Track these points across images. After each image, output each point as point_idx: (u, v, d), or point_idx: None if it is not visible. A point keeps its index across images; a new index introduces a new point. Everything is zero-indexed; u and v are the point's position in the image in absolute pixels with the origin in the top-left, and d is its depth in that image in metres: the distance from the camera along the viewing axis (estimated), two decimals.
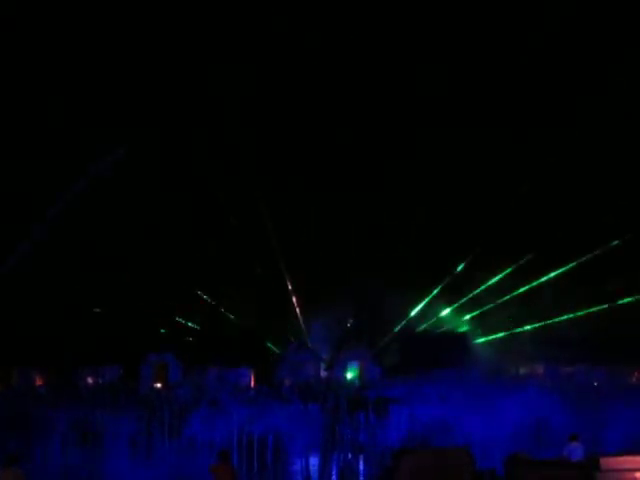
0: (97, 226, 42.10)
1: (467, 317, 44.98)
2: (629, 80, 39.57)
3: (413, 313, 44.27)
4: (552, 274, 43.36)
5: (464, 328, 44.77)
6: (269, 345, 43.62)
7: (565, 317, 42.73)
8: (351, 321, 42.97)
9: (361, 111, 42.54)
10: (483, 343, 43.53)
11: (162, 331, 42.87)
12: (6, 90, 39.05)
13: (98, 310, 41.61)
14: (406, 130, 42.94)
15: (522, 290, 43.81)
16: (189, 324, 44.26)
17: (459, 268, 44.27)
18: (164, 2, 40.33)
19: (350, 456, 33.09)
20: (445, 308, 44.60)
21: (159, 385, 38.06)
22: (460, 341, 42.71)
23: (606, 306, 41.92)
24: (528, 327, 43.18)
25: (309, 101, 42.13)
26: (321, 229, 43.08)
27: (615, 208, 41.89)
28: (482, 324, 44.60)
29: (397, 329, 43.65)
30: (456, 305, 44.65)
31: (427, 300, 44.18)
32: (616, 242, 42.16)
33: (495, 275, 44.18)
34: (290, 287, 43.71)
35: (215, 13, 40.50)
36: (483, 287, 44.11)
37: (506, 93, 41.85)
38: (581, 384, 36.32)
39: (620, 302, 41.91)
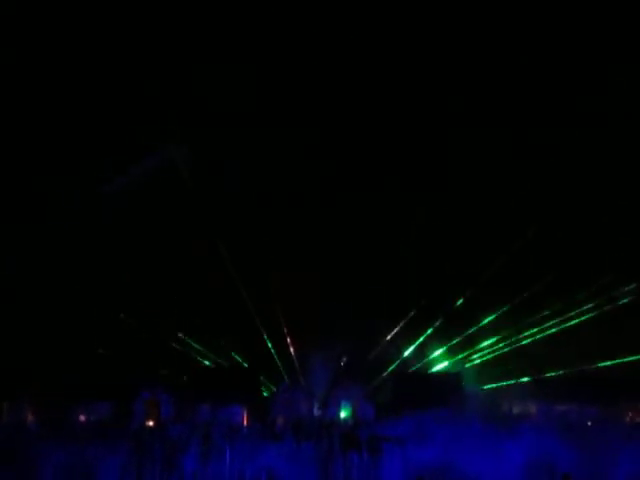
0: (92, 261, 42.17)
1: (460, 357, 44.88)
2: None
3: (407, 352, 44.22)
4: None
5: (456, 368, 44.59)
6: (262, 383, 43.45)
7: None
8: (345, 359, 42.90)
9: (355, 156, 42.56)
10: (476, 383, 43.40)
11: (162, 373, 42.66)
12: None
13: (100, 351, 41.50)
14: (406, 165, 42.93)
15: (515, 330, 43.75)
16: (183, 365, 44.10)
17: (458, 303, 44.22)
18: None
19: None
20: (438, 348, 44.51)
21: (151, 423, 37.79)
22: (453, 381, 42.57)
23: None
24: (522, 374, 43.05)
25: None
26: (316, 267, 43.10)
27: (614, 255, 41.86)
28: (475, 364, 44.52)
29: (391, 368, 43.59)
30: (449, 345, 44.59)
31: (421, 339, 44.15)
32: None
33: (488, 316, 44.20)
34: (285, 327, 43.67)
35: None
36: (476, 327, 44.10)
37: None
38: (576, 423, 36.25)
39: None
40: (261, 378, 43.28)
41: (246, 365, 44.40)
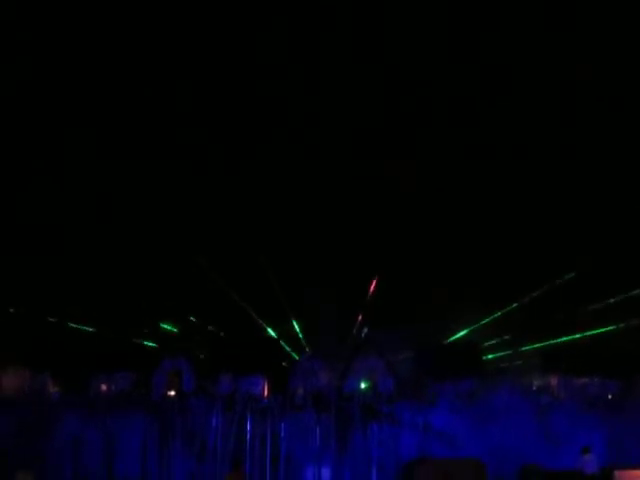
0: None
1: (477, 325, 44.51)
2: None
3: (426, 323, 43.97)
4: None
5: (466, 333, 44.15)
6: (283, 352, 43.48)
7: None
8: (365, 331, 42.91)
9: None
10: (493, 354, 43.27)
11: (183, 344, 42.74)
12: None
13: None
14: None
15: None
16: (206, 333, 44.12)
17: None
18: None
19: (363, 466, 33.19)
20: (458, 316, 44.15)
21: (172, 393, 37.98)
22: (473, 351, 42.39)
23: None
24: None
25: None
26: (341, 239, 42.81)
27: None
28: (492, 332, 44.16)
29: (411, 339, 43.41)
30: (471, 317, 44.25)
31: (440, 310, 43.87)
32: None
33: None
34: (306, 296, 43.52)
35: None
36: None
37: None
38: (595, 396, 36.22)
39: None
40: (282, 348, 43.38)
41: (267, 334, 44.48)
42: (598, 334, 40.50)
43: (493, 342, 42.89)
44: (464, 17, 39.53)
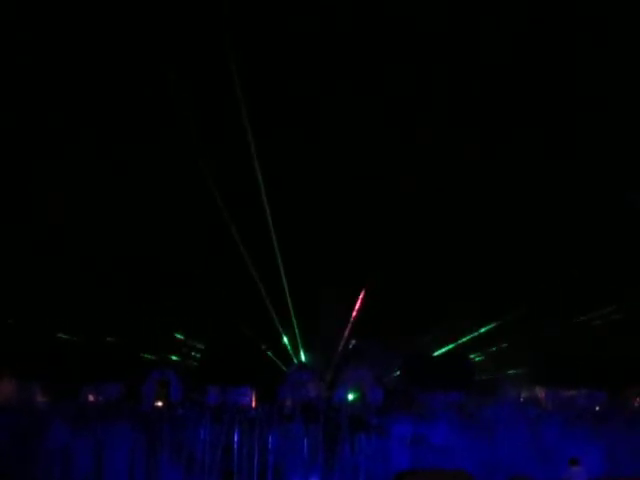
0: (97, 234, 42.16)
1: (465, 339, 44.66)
2: None
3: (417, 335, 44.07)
4: None
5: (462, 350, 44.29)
6: (272, 363, 43.42)
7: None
8: (354, 342, 42.95)
9: None
10: (483, 366, 43.36)
11: (173, 357, 42.72)
12: None
13: (110, 339, 41.54)
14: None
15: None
16: (196, 344, 44.07)
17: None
18: None
19: (351, 477, 33.18)
20: (447, 329, 44.26)
21: (160, 403, 37.91)
22: (462, 363, 42.48)
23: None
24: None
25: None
26: (329, 244, 42.80)
27: None
28: (480, 345, 44.32)
29: (400, 350, 43.49)
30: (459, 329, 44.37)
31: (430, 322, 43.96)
32: None
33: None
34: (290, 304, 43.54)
35: None
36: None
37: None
38: (583, 408, 36.39)
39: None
40: (271, 358, 43.33)
41: (255, 345, 44.40)
42: (586, 346, 40.70)
43: (482, 354, 43.12)
44: (460, 17, 39.76)
